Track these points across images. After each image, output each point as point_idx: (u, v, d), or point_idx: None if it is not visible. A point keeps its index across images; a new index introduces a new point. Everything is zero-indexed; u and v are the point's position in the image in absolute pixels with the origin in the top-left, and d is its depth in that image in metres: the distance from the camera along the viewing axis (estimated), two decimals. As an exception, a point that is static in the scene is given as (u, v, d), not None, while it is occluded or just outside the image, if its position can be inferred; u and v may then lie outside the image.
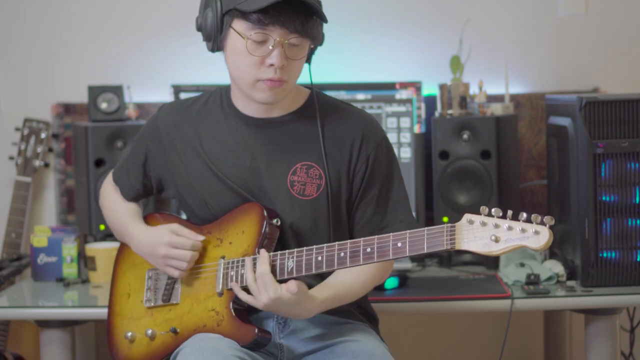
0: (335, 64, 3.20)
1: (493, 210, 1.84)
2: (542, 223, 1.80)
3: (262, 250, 2.08)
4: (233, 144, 2.22)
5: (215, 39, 2.14)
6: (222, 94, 2.28)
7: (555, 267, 2.74)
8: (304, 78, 2.21)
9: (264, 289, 2.04)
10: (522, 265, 2.76)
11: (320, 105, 2.22)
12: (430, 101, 3.16)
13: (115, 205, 2.38)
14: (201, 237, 2.20)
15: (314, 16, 2.10)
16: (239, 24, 2.10)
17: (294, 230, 2.17)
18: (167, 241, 2.18)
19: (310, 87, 2.25)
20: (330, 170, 2.18)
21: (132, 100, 3.20)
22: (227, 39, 2.13)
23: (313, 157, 2.19)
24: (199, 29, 2.18)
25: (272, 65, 2.09)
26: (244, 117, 2.22)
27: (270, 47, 2.08)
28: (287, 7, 2.05)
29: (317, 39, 2.16)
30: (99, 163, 3.02)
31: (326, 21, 2.12)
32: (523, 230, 1.80)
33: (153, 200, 3.03)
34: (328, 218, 2.18)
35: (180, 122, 2.27)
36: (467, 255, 2.90)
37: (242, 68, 2.12)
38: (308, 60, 2.20)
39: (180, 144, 2.26)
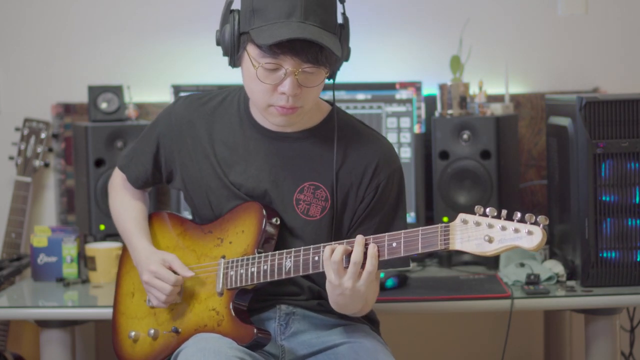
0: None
1: (487, 210, 1.84)
2: (536, 223, 1.80)
3: (359, 235, 1.98)
4: (244, 151, 2.20)
5: (232, 56, 2.10)
6: (239, 96, 2.24)
7: (555, 267, 2.74)
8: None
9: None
10: (522, 265, 2.75)
11: (338, 126, 2.17)
12: (430, 101, 3.16)
13: (124, 204, 2.36)
14: (190, 274, 2.17)
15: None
16: (252, 49, 2.05)
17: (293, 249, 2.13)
18: (153, 270, 2.18)
19: (333, 104, 2.21)
20: (338, 194, 2.15)
21: (132, 100, 3.20)
22: (243, 60, 2.09)
23: (322, 178, 2.16)
24: (218, 43, 2.13)
25: (284, 93, 2.05)
26: (259, 127, 2.19)
27: (283, 75, 2.03)
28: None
29: (334, 65, 2.10)
30: (99, 163, 3.02)
31: (340, 55, 2.04)
32: (516, 230, 1.80)
33: (153, 201, 3.03)
34: (328, 241, 2.13)
35: (194, 119, 2.24)
36: (467, 255, 2.89)
37: (254, 92, 2.09)
38: (332, 77, 2.14)
39: (191, 140, 2.24)
